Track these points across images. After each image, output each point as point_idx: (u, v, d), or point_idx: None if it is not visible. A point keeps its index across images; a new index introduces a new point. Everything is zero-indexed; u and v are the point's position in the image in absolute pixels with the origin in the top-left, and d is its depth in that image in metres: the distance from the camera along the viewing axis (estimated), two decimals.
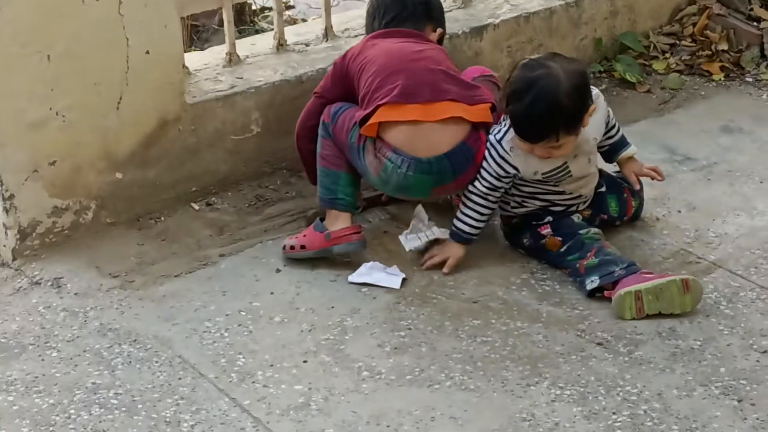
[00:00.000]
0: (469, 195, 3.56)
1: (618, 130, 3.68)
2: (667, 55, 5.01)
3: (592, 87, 3.47)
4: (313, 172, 3.75)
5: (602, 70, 4.89)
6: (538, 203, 3.59)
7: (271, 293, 3.45)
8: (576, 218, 3.58)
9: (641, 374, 3.08)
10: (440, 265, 3.56)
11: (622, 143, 3.70)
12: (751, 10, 5.07)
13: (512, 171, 3.49)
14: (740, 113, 4.57)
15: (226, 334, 3.27)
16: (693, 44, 5.06)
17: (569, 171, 3.50)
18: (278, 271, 3.56)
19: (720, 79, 4.87)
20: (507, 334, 3.26)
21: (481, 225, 3.58)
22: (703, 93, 4.77)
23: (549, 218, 3.57)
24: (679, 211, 3.86)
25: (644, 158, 4.13)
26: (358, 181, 3.69)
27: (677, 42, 5.08)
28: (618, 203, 3.70)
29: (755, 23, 5.02)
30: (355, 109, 3.65)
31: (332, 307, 3.38)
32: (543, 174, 3.49)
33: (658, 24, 5.13)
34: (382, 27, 3.81)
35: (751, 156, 4.22)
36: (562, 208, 3.58)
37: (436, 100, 3.55)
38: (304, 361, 3.15)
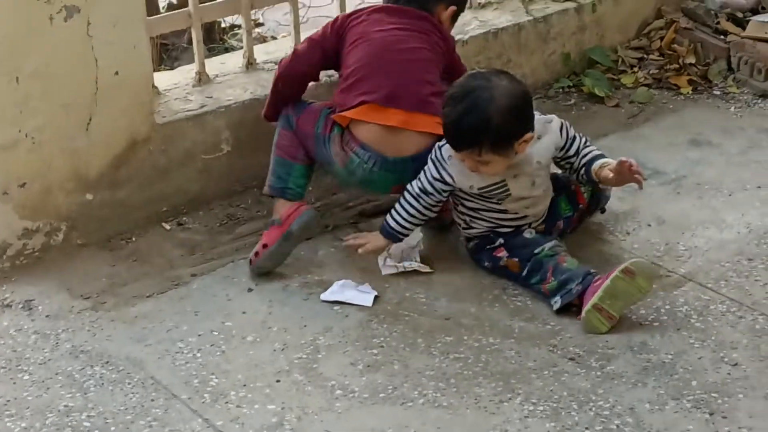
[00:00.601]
0: (404, 192, 3.59)
1: (586, 153, 3.60)
2: (635, 69, 5.04)
3: (550, 116, 3.51)
4: (274, 109, 3.84)
5: (571, 84, 4.91)
6: (485, 224, 3.59)
7: (244, 313, 3.45)
8: (528, 234, 3.58)
9: (613, 389, 3.09)
10: (374, 253, 3.64)
11: (597, 156, 3.62)
12: (718, 23, 5.10)
13: (447, 179, 3.50)
14: (708, 126, 4.59)
15: (198, 355, 3.26)
16: (661, 58, 5.08)
17: (507, 190, 3.50)
18: (250, 290, 3.56)
19: (688, 93, 4.89)
20: (479, 350, 3.26)
21: (407, 225, 3.60)
22: (671, 106, 4.79)
23: (501, 240, 3.57)
24: (649, 225, 3.87)
25: None
26: (310, 175, 3.77)
27: (645, 56, 5.10)
28: (568, 201, 3.71)
29: (722, 37, 5.05)
30: (321, 104, 3.73)
31: (305, 326, 3.38)
32: (479, 189, 3.50)
33: (626, 38, 5.16)
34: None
35: (719, 169, 4.25)
36: (510, 228, 3.59)
37: (419, 111, 3.61)
38: (277, 381, 3.15)
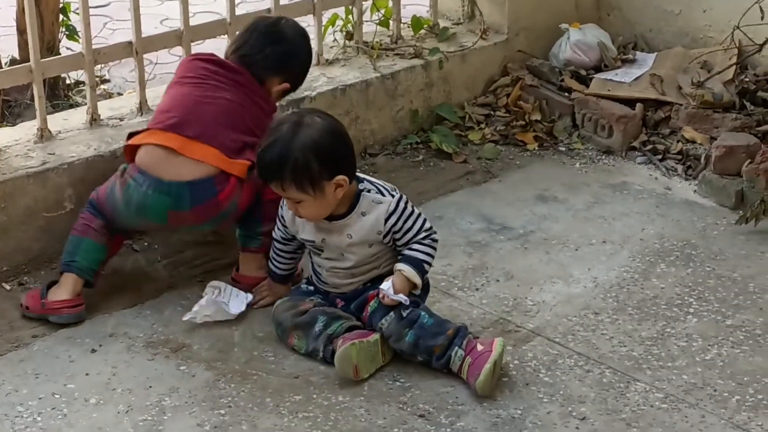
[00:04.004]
0: None
1: (406, 252, 3.46)
2: (483, 125, 5.08)
3: (386, 198, 3.41)
4: None
5: (419, 141, 4.93)
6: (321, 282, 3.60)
7: (87, 374, 3.36)
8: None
9: None
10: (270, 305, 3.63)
11: (406, 259, 3.45)
12: (562, 81, 5.18)
13: (284, 219, 3.53)
14: (554, 182, 4.65)
15: (39, 419, 3.16)
16: (507, 115, 5.14)
17: (321, 248, 3.48)
18: (93, 351, 3.47)
19: (534, 149, 4.95)
20: (329, 408, 3.22)
21: (279, 265, 3.66)
22: (518, 162, 4.85)
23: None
24: (498, 280, 3.89)
25: (462, 228, 4.19)
26: (103, 252, 3.70)
27: (492, 113, 5.16)
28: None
29: (566, 94, 5.13)
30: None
31: (150, 387, 3.30)
32: (302, 238, 3.51)
33: (473, 95, 5.21)
34: (230, 54, 3.89)
35: (565, 224, 4.30)
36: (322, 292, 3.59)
37: (199, 140, 3.61)
38: None
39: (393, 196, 3.44)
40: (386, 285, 3.40)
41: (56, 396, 3.26)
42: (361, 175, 3.49)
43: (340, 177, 3.32)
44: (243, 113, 3.72)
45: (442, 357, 3.33)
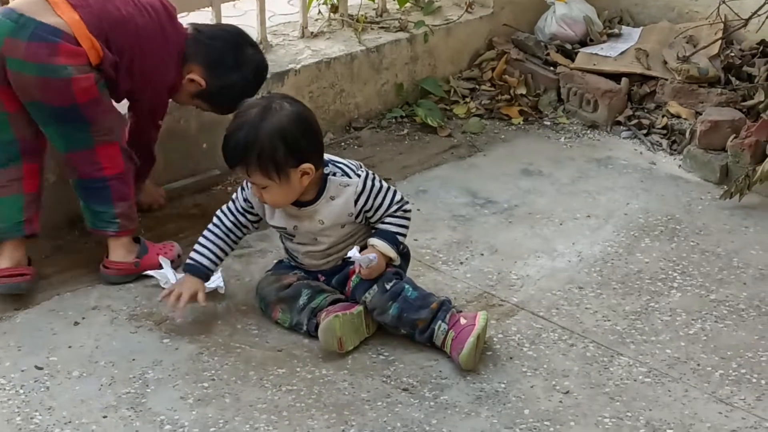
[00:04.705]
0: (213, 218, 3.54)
1: (381, 227, 3.44)
2: (467, 99, 5.08)
3: (353, 179, 3.36)
4: None
5: (404, 115, 4.92)
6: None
7: (69, 347, 3.35)
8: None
9: (447, 419, 3.07)
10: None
11: (378, 233, 3.44)
12: (548, 55, 5.18)
13: (250, 203, 3.46)
14: (539, 156, 4.65)
15: (21, 391, 3.15)
16: (492, 89, 5.14)
17: (293, 234, 3.46)
18: (76, 323, 3.45)
19: (519, 123, 4.95)
20: (312, 381, 3.22)
21: (208, 250, 3.50)
22: (503, 137, 4.84)
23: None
24: (482, 254, 3.89)
25: (447, 202, 4.19)
26: (18, 200, 3.60)
27: (477, 87, 5.15)
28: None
29: (552, 68, 5.12)
30: None
31: (133, 360, 3.29)
32: (272, 225, 3.48)
33: (458, 69, 5.21)
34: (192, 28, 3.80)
35: (550, 198, 4.29)
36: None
37: (76, 9, 3.49)
38: (104, 417, 3.05)
39: (359, 175, 3.40)
40: (352, 252, 3.37)
41: (39, 368, 3.25)
42: (326, 157, 3.42)
43: (306, 165, 3.28)
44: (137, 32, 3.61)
45: (426, 331, 3.33)
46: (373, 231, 3.45)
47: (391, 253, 3.42)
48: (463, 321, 3.30)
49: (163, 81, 3.72)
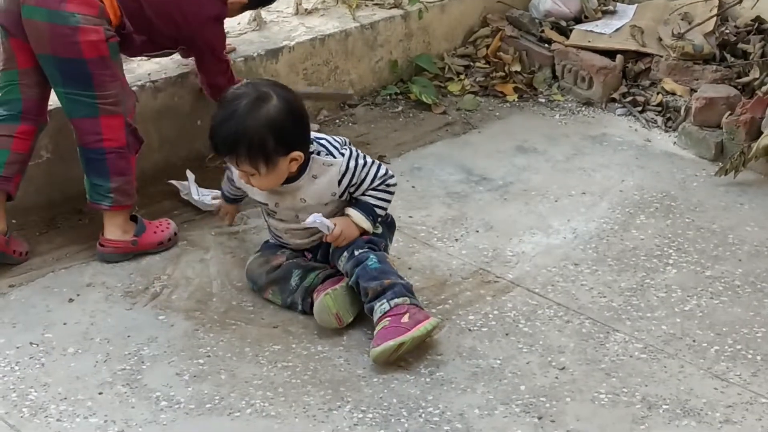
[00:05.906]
0: None
1: (361, 198, 3.42)
2: (462, 76, 5.07)
3: (336, 159, 3.34)
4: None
5: (398, 92, 4.91)
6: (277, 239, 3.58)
7: (64, 324, 3.34)
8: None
9: (443, 395, 3.07)
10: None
11: (356, 204, 3.43)
12: (542, 32, 5.17)
13: (233, 181, 3.58)
14: (534, 133, 4.64)
15: (16, 368, 3.14)
16: (487, 66, 5.13)
17: (275, 210, 3.45)
18: (71, 300, 3.45)
19: (514, 100, 4.94)
20: (308, 358, 3.22)
21: (227, 195, 3.75)
22: (497, 114, 4.83)
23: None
24: (477, 231, 3.88)
25: (442, 179, 4.18)
26: (3, 155, 3.59)
27: (471, 64, 5.14)
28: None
29: (546, 45, 5.11)
30: None
31: (128, 336, 3.29)
32: (254, 200, 3.51)
33: (453, 46, 5.19)
34: None
35: (545, 175, 4.29)
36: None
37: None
38: (100, 393, 3.05)
39: (343, 155, 3.37)
40: (312, 218, 3.33)
41: (34, 345, 3.24)
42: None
43: (296, 153, 3.26)
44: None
45: (369, 302, 3.28)
46: (352, 200, 3.44)
47: (365, 223, 3.39)
48: (405, 319, 3.21)
49: (208, 13, 3.82)
